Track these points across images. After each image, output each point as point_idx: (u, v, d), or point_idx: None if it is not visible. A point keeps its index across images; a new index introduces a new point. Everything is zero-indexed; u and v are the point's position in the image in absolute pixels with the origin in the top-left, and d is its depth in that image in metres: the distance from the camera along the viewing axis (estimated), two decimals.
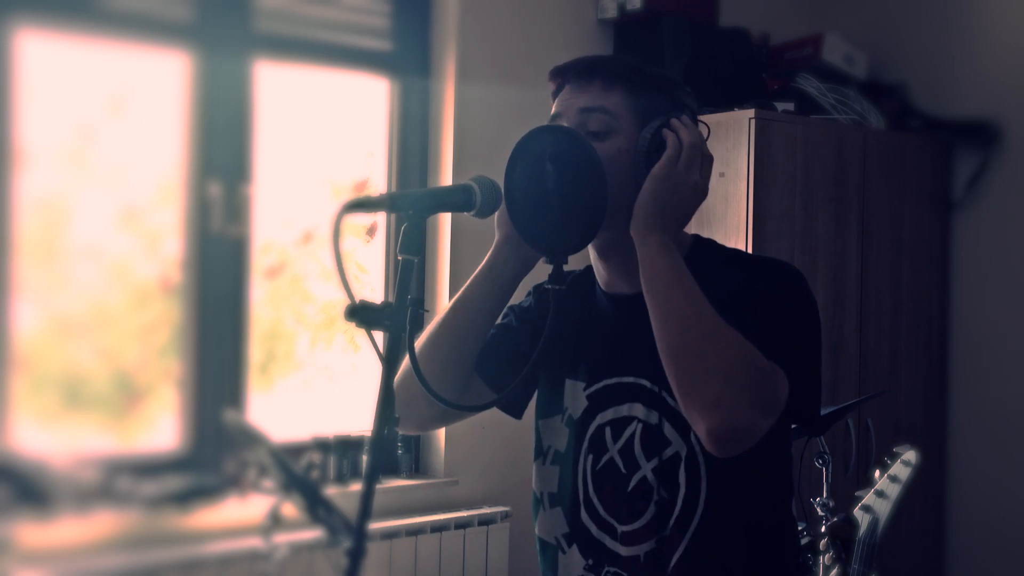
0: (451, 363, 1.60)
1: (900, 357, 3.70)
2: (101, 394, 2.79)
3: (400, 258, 1.41)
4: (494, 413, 1.64)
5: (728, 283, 1.47)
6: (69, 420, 2.72)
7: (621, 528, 1.55)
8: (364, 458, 3.06)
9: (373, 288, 3.27)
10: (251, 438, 1.94)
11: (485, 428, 3.06)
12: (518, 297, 1.67)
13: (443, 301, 3.19)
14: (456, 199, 1.49)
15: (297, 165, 3.12)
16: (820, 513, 2.42)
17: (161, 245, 2.87)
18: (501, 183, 1.50)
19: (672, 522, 1.51)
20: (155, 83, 2.84)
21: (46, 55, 2.64)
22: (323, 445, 3.04)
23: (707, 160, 1.52)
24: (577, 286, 1.63)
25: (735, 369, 1.36)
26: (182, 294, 2.87)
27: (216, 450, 2.83)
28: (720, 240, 1.64)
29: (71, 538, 2.51)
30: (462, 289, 1.63)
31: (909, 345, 3.73)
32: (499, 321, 1.66)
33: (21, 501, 2.48)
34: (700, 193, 1.51)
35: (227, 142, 2.91)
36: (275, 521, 1.84)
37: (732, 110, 3.31)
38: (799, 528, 2.19)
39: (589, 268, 1.64)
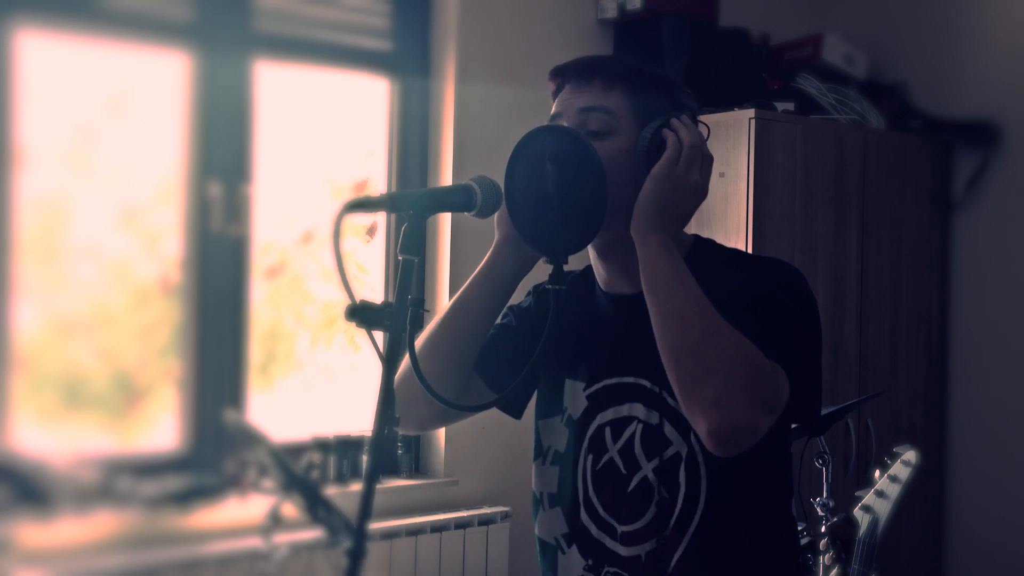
0: (451, 363, 1.60)
1: (900, 357, 3.70)
2: (101, 394, 2.79)
3: (400, 258, 1.41)
4: (494, 413, 1.64)
5: (728, 283, 1.47)
6: (69, 420, 2.72)
7: (621, 528, 1.55)
8: (364, 458, 3.05)
9: (373, 288, 3.27)
10: (251, 438, 1.94)
11: (485, 428, 3.06)
12: (518, 297, 1.67)
13: (443, 301, 3.19)
14: (456, 199, 1.49)
15: (297, 165, 3.12)
16: (820, 513, 2.42)
17: (161, 245, 2.87)
18: (501, 183, 1.50)
19: (672, 522, 1.51)
20: (155, 83, 2.84)
21: (46, 55, 2.64)
22: (323, 445, 3.04)
23: (707, 160, 1.52)
24: (577, 286, 1.62)
25: (736, 369, 1.36)
26: (182, 294, 2.87)
27: (216, 450, 2.83)
28: (720, 240, 1.64)
29: (71, 538, 2.51)
30: (462, 289, 1.63)
31: (909, 345, 3.73)
32: (499, 321, 1.66)
33: (21, 501, 2.48)
34: (700, 193, 1.51)
35: (227, 142, 2.91)
36: (275, 521, 1.84)
37: (732, 110, 3.31)
38: (799, 528, 2.19)
39: (589, 268, 1.64)
